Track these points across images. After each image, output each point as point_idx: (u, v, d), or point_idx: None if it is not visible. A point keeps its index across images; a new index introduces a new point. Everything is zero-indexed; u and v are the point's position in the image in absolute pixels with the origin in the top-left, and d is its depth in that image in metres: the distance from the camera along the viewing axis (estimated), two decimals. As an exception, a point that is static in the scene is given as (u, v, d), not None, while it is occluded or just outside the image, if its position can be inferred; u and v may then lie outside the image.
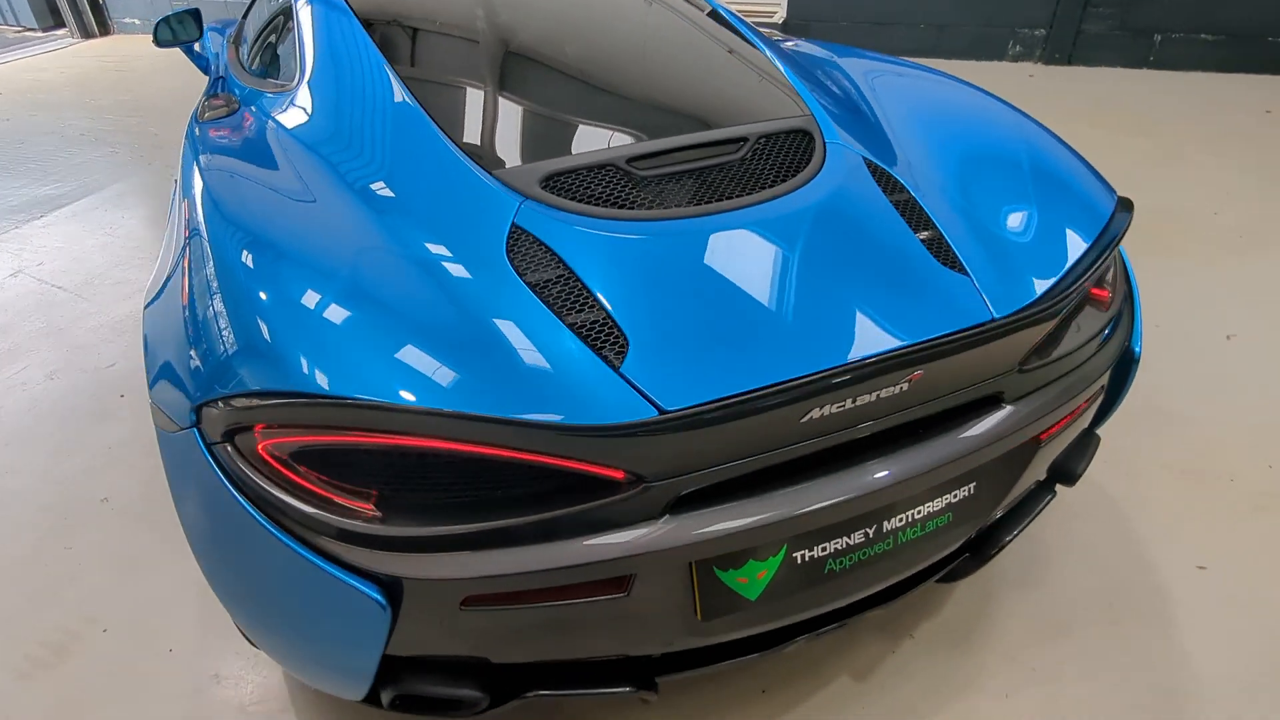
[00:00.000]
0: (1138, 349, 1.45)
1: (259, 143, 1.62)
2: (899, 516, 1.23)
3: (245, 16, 3.01)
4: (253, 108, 1.88)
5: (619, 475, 1.03)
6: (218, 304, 1.15)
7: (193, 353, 1.15)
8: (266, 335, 1.07)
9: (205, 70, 3.16)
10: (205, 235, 1.30)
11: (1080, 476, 1.53)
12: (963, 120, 1.66)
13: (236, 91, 2.15)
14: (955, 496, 1.27)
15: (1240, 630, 1.66)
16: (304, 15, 1.93)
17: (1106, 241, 1.30)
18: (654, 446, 1.01)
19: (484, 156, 1.42)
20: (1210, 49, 5.18)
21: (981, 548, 1.44)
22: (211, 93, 2.29)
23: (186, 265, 1.30)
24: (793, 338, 1.11)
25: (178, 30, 3.02)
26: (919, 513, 1.24)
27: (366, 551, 1.04)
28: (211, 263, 1.22)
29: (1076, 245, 1.32)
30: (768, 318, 1.14)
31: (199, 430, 1.12)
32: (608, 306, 1.13)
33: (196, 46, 3.39)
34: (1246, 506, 1.97)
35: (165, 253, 1.51)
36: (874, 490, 1.13)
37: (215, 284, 1.18)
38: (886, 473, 1.15)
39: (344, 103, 1.61)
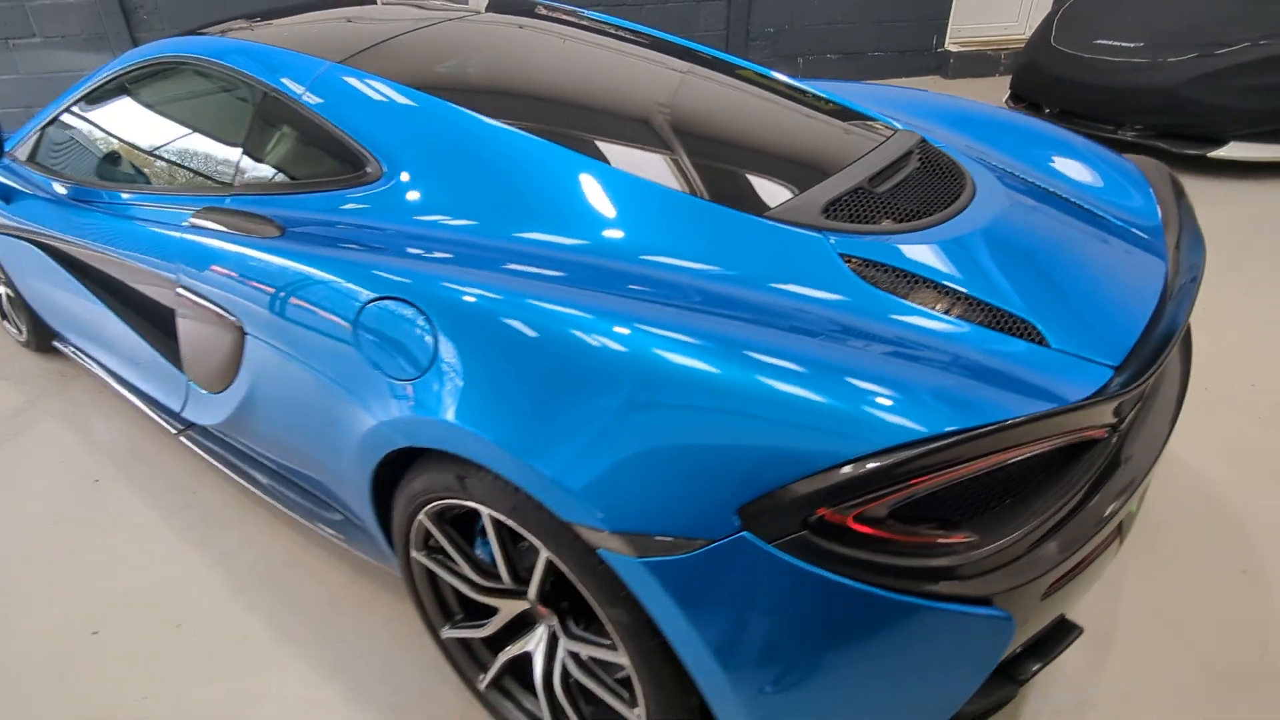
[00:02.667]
0: None
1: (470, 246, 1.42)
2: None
3: (52, 124, 2.37)
4: (308, 215, 1.64)
5: (1103, 433, 1.21)
6: (708, 398, 1.06)
7: (714, 453, 1.04)
8: (827, 401, 1.04)
9: (4, 196, 2.39)
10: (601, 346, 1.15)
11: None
12: (983, 121, 2.10)
13: (229, 203, 1.78)
14: None
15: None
16: (328, 100, 1.72)
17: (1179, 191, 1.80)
18: (1122, 396, 1.20)
19: (740, 203, 1.44)
20: (837, 64, 6.60)
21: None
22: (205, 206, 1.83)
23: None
24: (1119, 280, 1.40)
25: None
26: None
27: (981, 579, 1.08)
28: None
29: (1148, 198, 1.80)
30: (1089, 272, 1.42)
31: (750, 534, 1.03)
32: (993, 303, 1.30)
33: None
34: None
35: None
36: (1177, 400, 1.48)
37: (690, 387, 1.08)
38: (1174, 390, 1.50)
39: (531, 187, 1.49)
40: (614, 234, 1.39)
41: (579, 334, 1.15)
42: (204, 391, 1.91)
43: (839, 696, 1.12)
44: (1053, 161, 1.94)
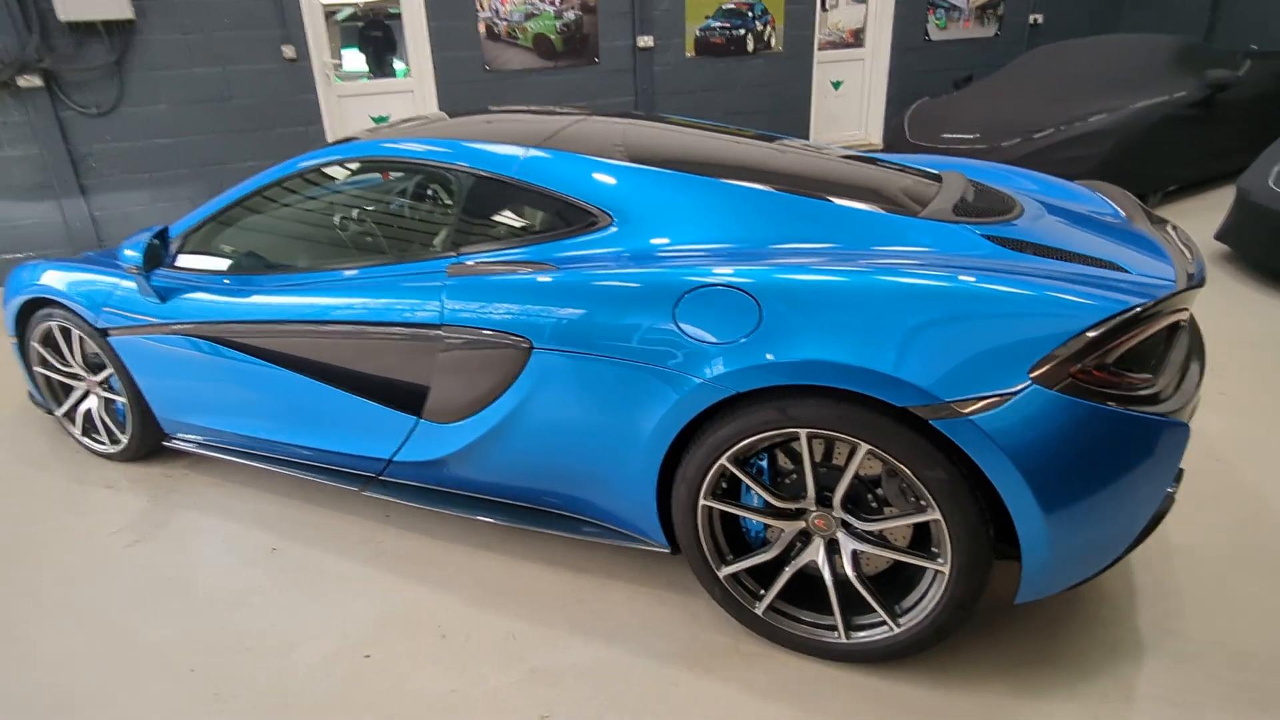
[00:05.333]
0: None
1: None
2: None
3: (212, 227, 2.60)
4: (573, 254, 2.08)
5: (1186, 316, 1.87)
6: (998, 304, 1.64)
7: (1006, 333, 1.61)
8: (1065, 298, 1.63)
9: (160, 296, 2.56)
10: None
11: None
12: (972, 168, 2.88)
13: (468, 259, 2.16)
14: None
15: None
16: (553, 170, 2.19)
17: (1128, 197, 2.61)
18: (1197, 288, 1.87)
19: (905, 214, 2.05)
20: (729, 171, 7.64)
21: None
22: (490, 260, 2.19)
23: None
24: (1130, 243, 2.12)
25: (159, 255, 2.42)
26: None
27: (1167, 401, 1.67)
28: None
29: (1104, 202, 2.61)
30: (1111, 239, 2.12)
31: (1038, 385, 1.57)
32: (1084, 253, 1.97)
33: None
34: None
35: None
36: None
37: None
38: None
39: (743, 215, 2.03)
40: (847, 238, 1.99)
41: (900, 280, 1.70)
42: (443, 425, 2.20)
43: (1105, 497, 1.65)
44: (1035, 186, 2.72)
